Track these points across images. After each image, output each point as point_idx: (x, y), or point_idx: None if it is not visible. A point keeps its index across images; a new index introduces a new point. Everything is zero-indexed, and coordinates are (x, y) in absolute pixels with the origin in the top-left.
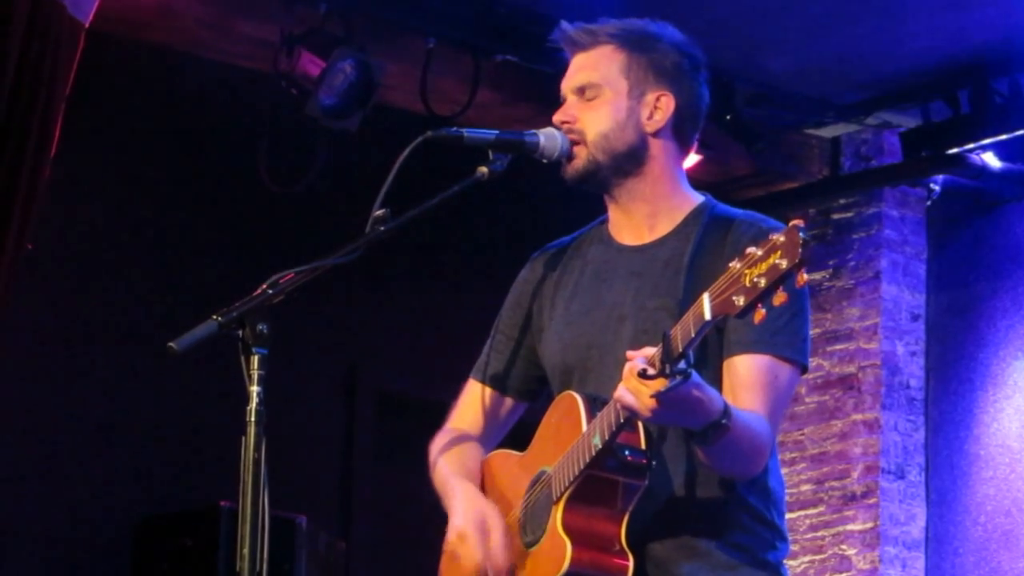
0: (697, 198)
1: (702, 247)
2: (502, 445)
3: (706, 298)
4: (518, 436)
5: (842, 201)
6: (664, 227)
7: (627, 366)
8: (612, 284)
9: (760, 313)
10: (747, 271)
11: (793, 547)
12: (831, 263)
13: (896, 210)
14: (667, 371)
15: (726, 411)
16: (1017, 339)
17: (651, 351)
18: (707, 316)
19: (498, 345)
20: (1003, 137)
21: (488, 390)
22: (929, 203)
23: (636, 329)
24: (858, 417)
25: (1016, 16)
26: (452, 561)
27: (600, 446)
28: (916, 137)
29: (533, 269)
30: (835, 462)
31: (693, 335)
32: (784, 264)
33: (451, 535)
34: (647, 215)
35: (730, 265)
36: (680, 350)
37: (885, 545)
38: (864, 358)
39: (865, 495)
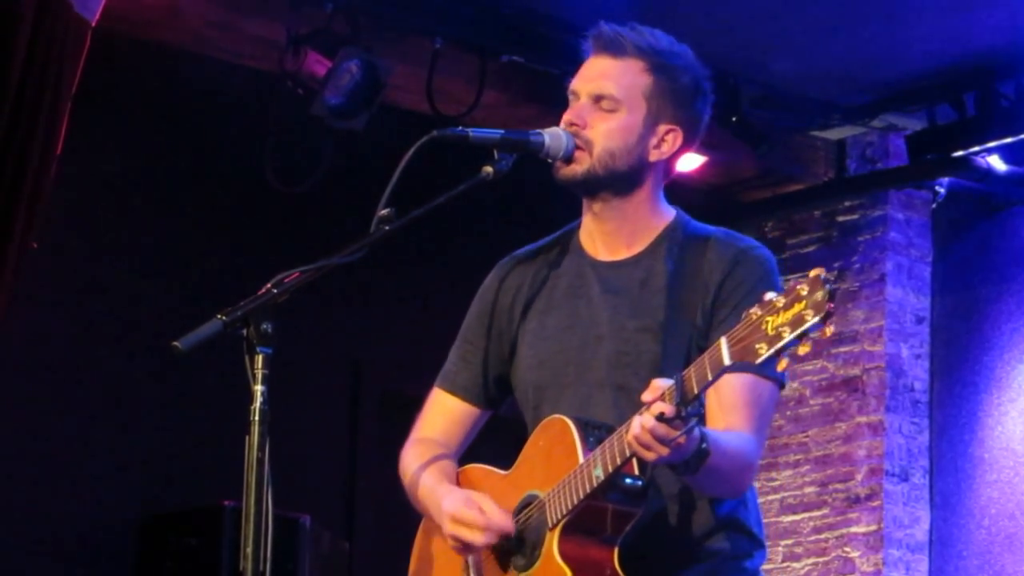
0: (669, 213)
1: (680, 267)
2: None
3: (724, 344)
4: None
5: (847, 203)
6: (639, 244)
7: (637, 419)
8: (588, 301)
9: (784, 363)
10: (769, 319)
11: (796, 549)
12: (836, 265)
13: (901, 213)
14: (682, 413)
15: (703, 436)
16: (1022, 342)
17: (664, 384)
18: (726, 362)
19: (465, 354)
20: (1008, 140)
21: (454, 399)
22: (934, 206)
23: (616, 350)
24: (862, 420)
25: (1022, 19)
26: (433, 567)
27: (603, 478)
28: (922, 140)
29: (500, 277)
30: (839, 464)
31: (710, 379)
32: (810, 316)
33: (445, 525)
34: (626, 233)
35: (749, 312)
36: (695, 393)
37: (889, 548)
38: (868, 360)
39: (869, 498)
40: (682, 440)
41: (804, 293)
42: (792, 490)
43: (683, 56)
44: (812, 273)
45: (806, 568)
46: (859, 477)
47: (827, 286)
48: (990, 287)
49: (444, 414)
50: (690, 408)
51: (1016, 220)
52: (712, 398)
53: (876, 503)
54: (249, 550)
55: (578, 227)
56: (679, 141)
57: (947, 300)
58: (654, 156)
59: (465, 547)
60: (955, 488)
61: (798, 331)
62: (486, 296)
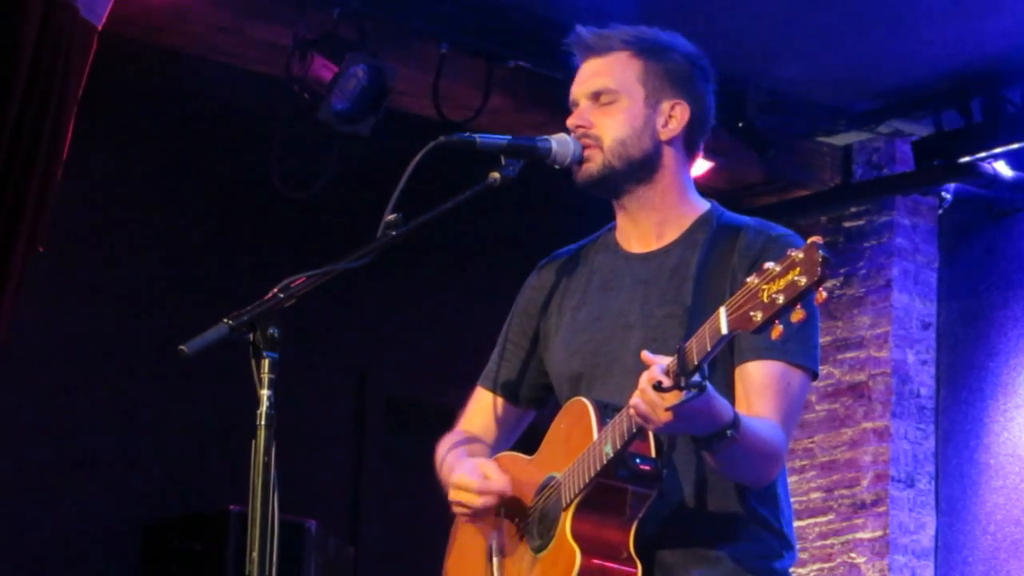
0: (703, 205)
1: (710, 255)
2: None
3: (723, 312)
4: (524, 440)
5: (853, 209)
6: (671, 235)
7: (643, 376)
8: (619, 292)
9: (778, 329)
10: (765, 287)
11: (802, 555)
12: (842, 271)
13: (908, 218)
14: (682, 384)
15: (734, 423)
16: None
17: (667, 360)
18: (724, 331)
19: (506, 353)
20: (1015, 146)
21: (497, 398)
22: (941, 212)
23: (644, 337)
24: (868, 425)
25: None
26: (463, 550)
27: (612, 455)
28: (928, 146)
29: (540, 276)
30: (845, 470)
31: (709, 349)
32: (803, 281)
33: (449, 495)
34: (656, 223)
35: (747, 280)
36: (695, 363)
37: (894, 554)
38: (874, 366)
39: (875, 503)
40: (675, 401)
41: (799, 259)
42: (798, 496)
43: (670, 39)
44: (808, 240)
45: (812, 574)
46: (865, 483)
47: (821, 252)
48: (996, 293)
49: (483, 412)
50: (691, 379)
51: (1022, 226)
52: (739, 385)
53: (882, 509)
54: (255, 555)
55: (615, 226)
56: (686, 114)
57: (953, 306)
58: (665, 135)
59: (469, 513)
60: (961, 494)
61: (791, 297)
62: (525, 296)
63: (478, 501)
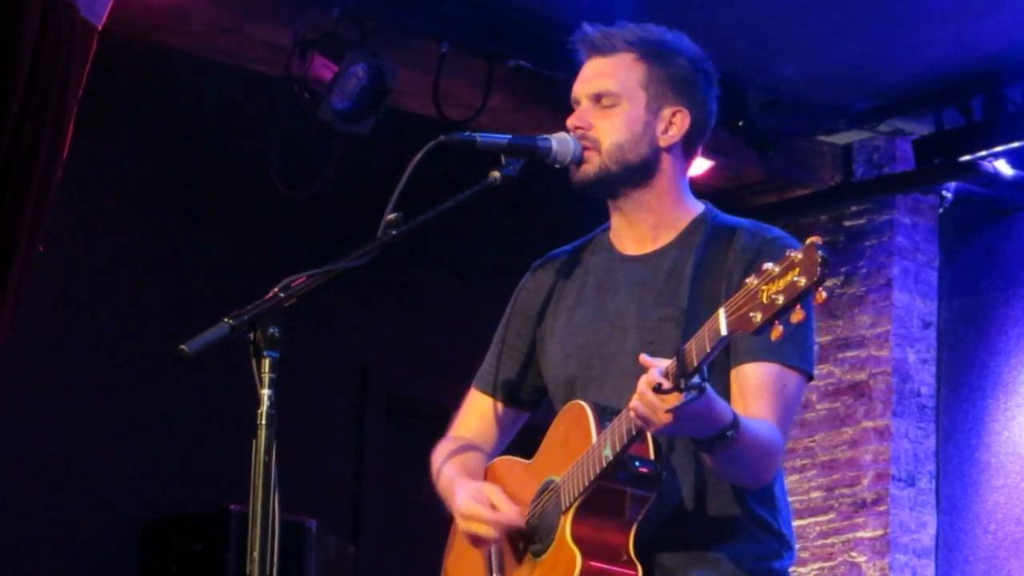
0: (698, 207)
1: (705, 257)
2: (506, 452)
3: (722, 314)
4: (522, 442)
5: (854, 208)
6: (666, 237)
7: (642, 379)
8: (615, 294)
9: (777, 330)
10: (764, 287)
11: (803, 554)
12: (843, 270)
13: (908, 217)
14: (682, 386)
15: (734, 423)
16: None
17: (666, 362)
18: (723, 332)
19: (504, 355)
20: (1015, 145)
21: (491, 400)
22: (941, 211)
23: (641, 340)
24: (869, 424)
25: None
26: (461, 552)
27: (611, 458)
28: (928, 144)
29: (535, 278)
30: (845, 469)
31: (708, 350)
32: (803, 282)
33: (457, 521)
34: (651, 225)
35: (746, 281)
36: (695, 365)
37: (895, 553)
38: (875, 365)
39: (875, 502)
40: (675, 403)
41: (798, 260)
42: (798, 495)
43: (676, 41)
44: (807, 241)
45: (812, 573)
46: (865, 482)
47: (820, 252)
48: (996, 292)
49: (478, 414)
50: (691, 380)
51: (1022, 225)
52: (735, 387)
53: (882, 508)
54: (256, 554)
55: (609, 227)
56: (687, 122)
57: (954, 305)
58: (664, 141)
59: (479, 541)
60: (961, 493)
61: (791, 297)
62: (519, 297)
63: (491, 533)
